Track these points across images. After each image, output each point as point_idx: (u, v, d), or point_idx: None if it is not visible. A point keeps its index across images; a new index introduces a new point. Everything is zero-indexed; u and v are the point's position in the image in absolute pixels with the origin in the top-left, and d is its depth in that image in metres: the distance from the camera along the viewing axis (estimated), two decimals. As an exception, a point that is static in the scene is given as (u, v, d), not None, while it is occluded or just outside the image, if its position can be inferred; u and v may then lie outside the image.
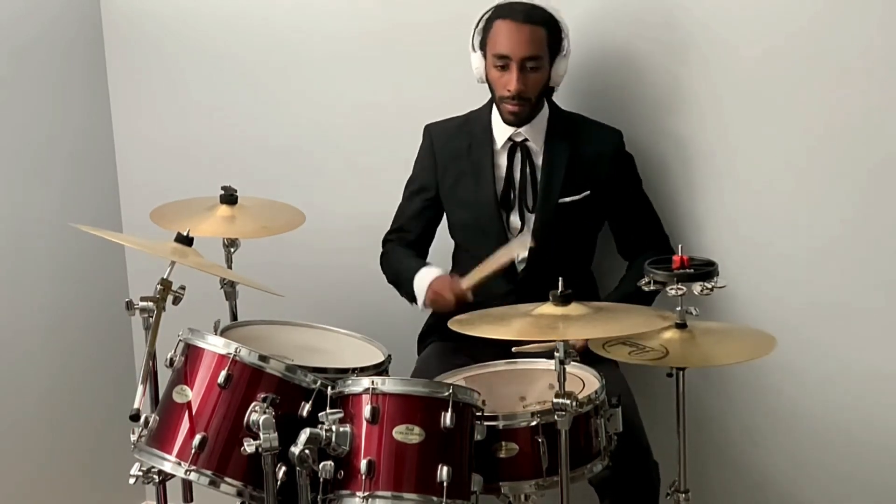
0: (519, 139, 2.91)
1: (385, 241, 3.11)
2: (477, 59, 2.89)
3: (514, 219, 2.93)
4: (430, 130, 3.03)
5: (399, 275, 3.02)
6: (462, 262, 3.00)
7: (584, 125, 2.96)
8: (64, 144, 3.55)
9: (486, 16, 2.86)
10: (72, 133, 3.58)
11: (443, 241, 3.10)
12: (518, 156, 2.92)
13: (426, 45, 3.25)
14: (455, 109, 3.04)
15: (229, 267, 2.93)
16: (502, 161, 2.93)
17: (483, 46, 2.86)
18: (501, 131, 2.93)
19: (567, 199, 2.89)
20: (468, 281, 2.78)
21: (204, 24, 3.51)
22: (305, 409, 2.41)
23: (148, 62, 3.61)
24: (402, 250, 3.06)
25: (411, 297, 2.96)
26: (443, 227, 3.09)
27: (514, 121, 2.87)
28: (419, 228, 3.06)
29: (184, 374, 2.47)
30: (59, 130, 3.53)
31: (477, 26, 2.87)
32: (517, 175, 2.91)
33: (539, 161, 2.91)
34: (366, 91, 3.34)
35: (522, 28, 2.80)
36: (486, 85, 2.91)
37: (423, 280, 2.90)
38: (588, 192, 2.90)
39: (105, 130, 3.68)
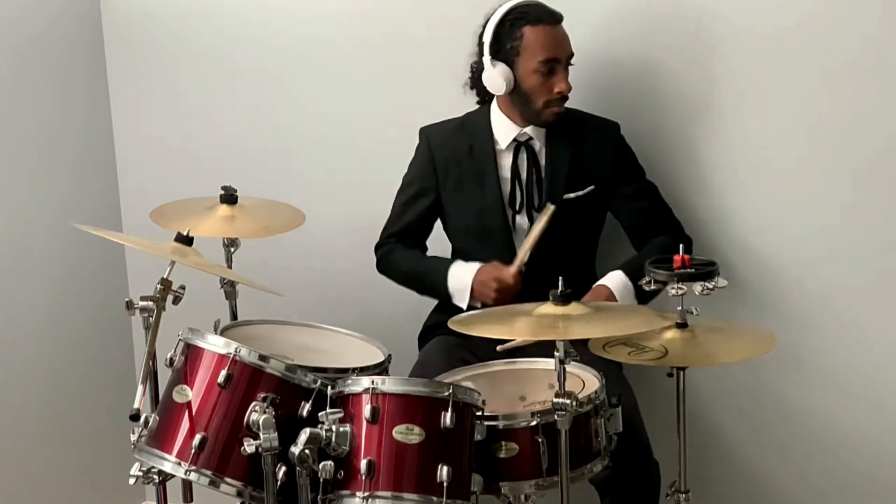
0: (524, 139, 2.92)
1: (381, 245, 3.06)
2: (502, 71, 2.83)
3: (521, 219, 2.92)
4: (426, 133, 3.02)
5: (421, 276, 2.97)
6: None
7: (582, 119, 2.96)
8: (64, 144, 3.55)
9: (500, 26, 2.82)
10: (72, 133, 3.58)
11: (434, 245, 3.09)
12: (523, 155, 2.92)
13: (425, 47, 3.25)
14: (454, 110, 3.03)
15: (229, 267, 2.93)
16: (506, 162, 2.93)
17: (507, 57, 2.83)
18: (505, 132, 2.92)
19: (572, 195, 2.89)
20: (516, 265, 2.75)
21: (204, 24, 3.51)
22: (305, 409, 2.41)
23: (148, 62, 3.61)
24: (409, 251, 3.02)
25: (438, 296, 2.93)
26: (437, 232, 3.07)
27: (554, 121, 2.87)
28: (420, 232, 3.04)
29: (184, 374, 2.47)
30: (59, 130, 3.53)
31: (493, 39, 2.83)
32: (524, 175, 2.91)
33: (543, 159, 2.91)
34: (366, 91, 3.34)
35: (557, 29, 2.83)
36: (508, 93, 2.86)
37: (462, 276, 2.86)
38: (592, 187, 2.90)
39: (105, 130, 3.68)
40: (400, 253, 3.03)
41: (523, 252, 2.77)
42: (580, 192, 2.88)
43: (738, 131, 2.97)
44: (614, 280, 2.84)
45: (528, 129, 2.91)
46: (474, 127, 2.97)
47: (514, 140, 2.92)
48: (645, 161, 2.99)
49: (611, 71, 3.07)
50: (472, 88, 2.97)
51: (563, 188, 2.88)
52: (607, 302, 2.79)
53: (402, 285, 3.05)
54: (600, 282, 2.85)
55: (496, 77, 2.85)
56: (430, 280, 2.94)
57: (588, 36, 2.98)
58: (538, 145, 2.92)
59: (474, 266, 2.87)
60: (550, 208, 2.77)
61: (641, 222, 2.95)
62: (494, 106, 2.95)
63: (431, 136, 3.01)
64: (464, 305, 2.86)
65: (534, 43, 2.81)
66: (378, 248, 3.07)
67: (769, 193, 2.96)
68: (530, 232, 2.79)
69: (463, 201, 2.97)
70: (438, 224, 3.07)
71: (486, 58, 2.85)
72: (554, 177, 2.90)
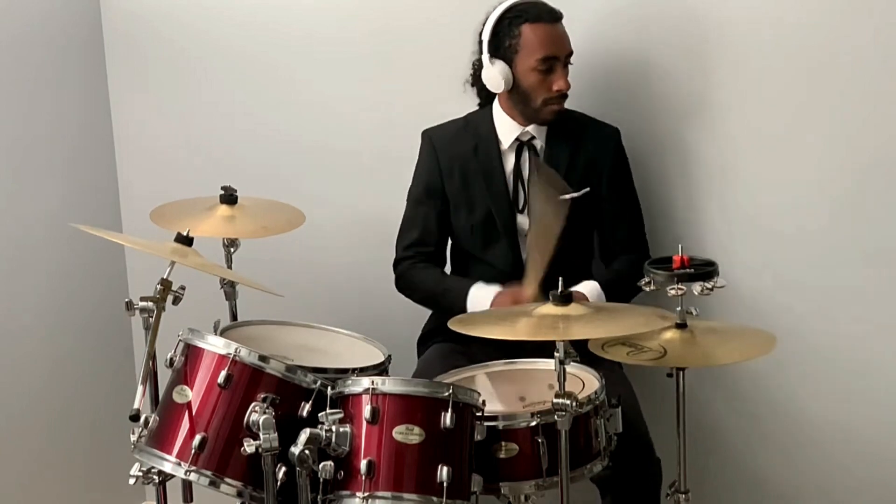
0: (526, 138, 2.92)
1: (400, 261, 3.01)
2: (501, 69, 2.83)
3: (523, 219, 2.92)
4: (429, 135, 3.01)
5: (439, 296, 2.92)
6: (466, 267, 2.99)
7: (584, 122, 2.96)
8: (64, 144, 3.55)
9: (499, 24, 2.82)
10: (71, 133, 3.58)
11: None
12: (526, 154, 2.92)
13: (426, 47, 3.25)
14: (455, 110, 3.03)
15: (229, 267, 2.93)
16: (509, 161, 2.93)
17: (506, 55, 2.83)
18: (507, 131, 2.92)
19: (568, 196, 2.89)
20: (531, 286, 2.70)
21: (204, 24, 3.51)
22: (305, 409, 2.41)
23: (148, 62, 3.61)
24: (429, 270, 2.98)
25: (454, 314, 2.82)
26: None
27: (553, 119, 2.87)
28: (436, 237, 3.00)
29: (184, 375, 2.47)
30: (58, 130, 3.53)
31: (492, 37, 2.83)
32: (526, 174, 2.91)
33: (543, 159, 2.91)
34: (366, 91, 3.35)
35: (556, 27, 2.83)
36: (507, 91, 2.86)
37: (481, 300, 2.82)
38: (587, 189, 2.90)
39: (105, 130, 3.68)
40: (419, 272, 2.99)
41: (532, 270, 2.71)
42: (576, 194, 2.89)
43: (737, 131, 2.97)
44: (589, 287, 2.83)
45: (530, 128, 2.91)
46: (478, 126, 2.97)
47: (517, 139, 2.92)
48: (642, 161, 2.99)
49: (608, 70, 3.07)
50: (472, 86, 2.97)
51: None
52: (606, 302, 2.79)
53: (419, 304, 3.03)
54: (576, 288, 2.81)
55: (495, 75, 2.85)
56: (447, 301, 2.89)
57: (586, 35, 2.98)
58: (540, 144, 2.92)
59: (493, 289, 2.83)
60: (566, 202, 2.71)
61: (613, 236, 2.95)
62: (497, 105, 2.95)
63: (435, 138, 3.00)
64: None
65: (532, 41, 2.81)
66: (396, 264, 3.03)
67: (768, 193, 2.96)
68: (537, 243, 2.73)
69: (469, 200, 2.96)
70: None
71: (485, 56, 2.85)
72: None
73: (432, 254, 3.01)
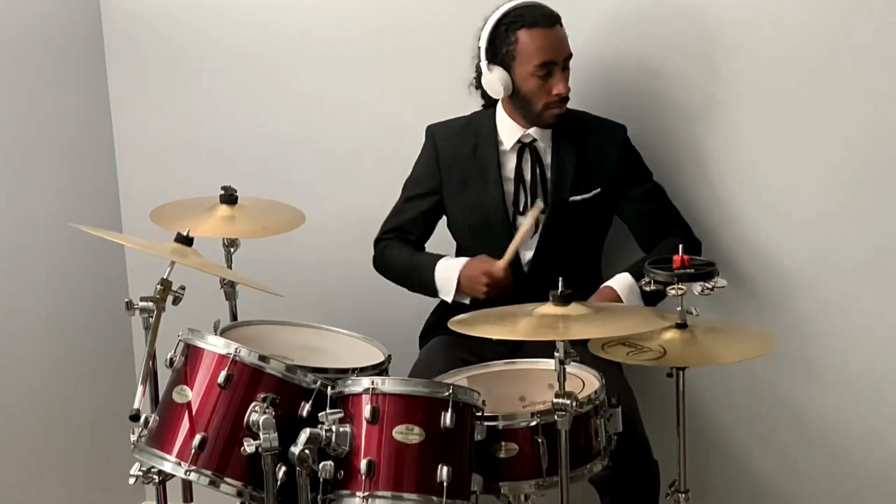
0: (528, 140, 2.91)
1: (378, 241, 3.06)
2: (500, 75, 2.82)
3: (523, 220, 2.92)
4: (432, 132, 3.02)
5: (411, 270, 2.97)
6: None
7: (589, 122, 2.95)
8: (64, 144, 3.54)
9: (495, 30, 2.81)
10: (71, 132, 3.57)
11: (435, 241, 3.09)
12: (527, 156, 2.91)
13: (426, 47, 3.25)
14: (456, 110, 3.03)
15: (229, 267, 2.93)
16: (510, 162, 2.93)
17: (504, 61, 2.82)
18: (509, 133, 2.92)
19: (578, 198, 2.88)
20: (505, 259, 2.76)
21: (204, 24, 3.51)
22: (305, 409, 2.41)
23: (148, 62, 3.61)
24: (403, 247, 3.01)
25: (427, 291, 2.93)
26: (440, 234, 3.07)
27: (557, 123, 2.87)
28: (420, 230, 3.03)
29: (184, 375, 2.47)
30: (58, 130, 3.53)
31: (489, 44, 2.82)
32: (527, 175, 2.91)
33: (548, 160, 2.91)
34: (366, 91, 3.34)
35: (554, 31, 2.81)
36: (508, 96, 2.86)
37: (449, 270, 2.87)
38: (598, 190, 2.90)
39: (105, 130, 3.68)
40: (393, 249, 3.02)
41: (512, 247, 2.78)
42: (587, 195, 2.88)
43: (743, 131, 2.96)
44: (620, 282, 2.83)
45: (532, 131, 2.91)
46: (480, 127, 2.97)
47: (519, 141, 2.92)
48: (648, 162, 2.98)
49: (615, 72, 3.07)
50: (476, 89, 2.97)
51: (569, 190, 2.88)
52: (608, 302, 2.79)
53: (394, 282, 3.05)
54: (606, 283, 2.84)
55: (494, 82, 2.84)
56: (418, 274, 2.94)
57: (592, 37, 2.98)
58: (543, 146, 2.92)
59: (462, 260, 2.87)
60: (539, 205, 2.79)
61: (649, 224, 2.93)
62: (500, 107, 2.95)
63: (437, 135, 3.01)
64: (449, 299, 2.87)
65: (529, 47, 2.79)
66: (376, 243, 3.07)
67: (772, 193, 2.96)
68: (519, 228, 2.82)
69: (466, 200, 2.97)
70: (440, 225, 3.06)
71: (483, 62, 2.85)
72: (560, 179, 2.89)
73: (412, 242, 3.03)
